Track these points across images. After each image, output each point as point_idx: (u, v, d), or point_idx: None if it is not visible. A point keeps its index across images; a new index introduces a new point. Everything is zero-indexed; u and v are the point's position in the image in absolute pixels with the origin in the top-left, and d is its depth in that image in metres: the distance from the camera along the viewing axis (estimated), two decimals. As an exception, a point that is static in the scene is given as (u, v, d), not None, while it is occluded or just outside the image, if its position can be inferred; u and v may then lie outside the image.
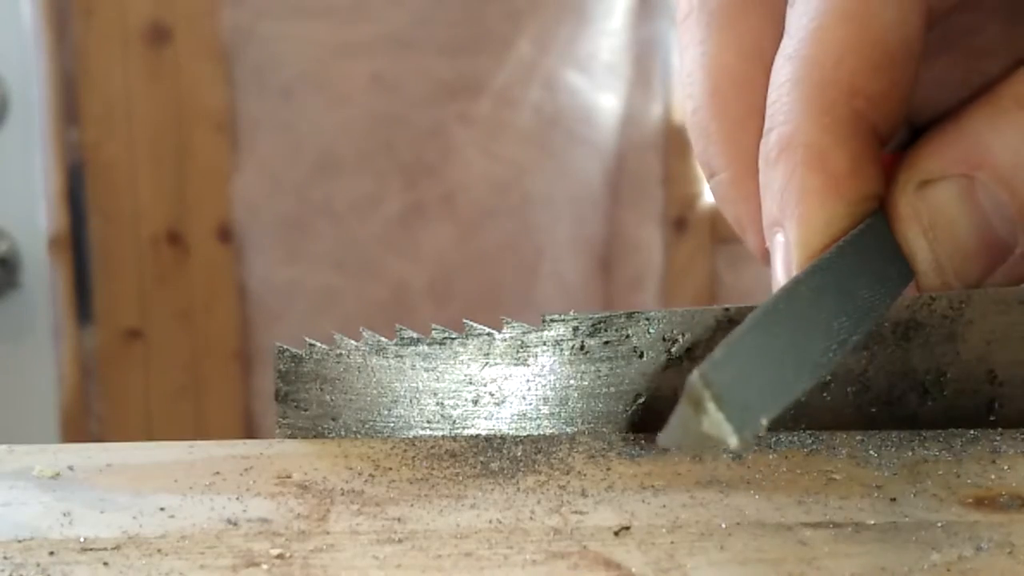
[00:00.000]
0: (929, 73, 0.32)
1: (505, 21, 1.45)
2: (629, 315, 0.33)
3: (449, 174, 1.47)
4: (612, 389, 0.33)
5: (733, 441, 0.22)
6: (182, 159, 1.43)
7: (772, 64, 0.30)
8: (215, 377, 1.48)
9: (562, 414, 0.33)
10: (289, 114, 1.44)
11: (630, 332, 0.33)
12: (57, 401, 1.41)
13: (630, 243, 1.52)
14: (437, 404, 0.33)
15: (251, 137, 1.44)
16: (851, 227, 0.28)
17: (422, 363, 0.32)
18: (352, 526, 0.27)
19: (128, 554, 0.26)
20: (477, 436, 0.33)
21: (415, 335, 0.32)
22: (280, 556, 0.26)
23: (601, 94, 1.48)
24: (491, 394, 0.33)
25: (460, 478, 0.30)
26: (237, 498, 0.29)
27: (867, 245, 0.28)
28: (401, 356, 0.32)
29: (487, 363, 0.32)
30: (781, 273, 0.29)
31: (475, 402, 0.33)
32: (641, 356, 0.33)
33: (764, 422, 0.23)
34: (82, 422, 1.45)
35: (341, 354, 0.32)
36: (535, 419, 0.33)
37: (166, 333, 1.46)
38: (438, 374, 0.33)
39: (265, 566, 0.26)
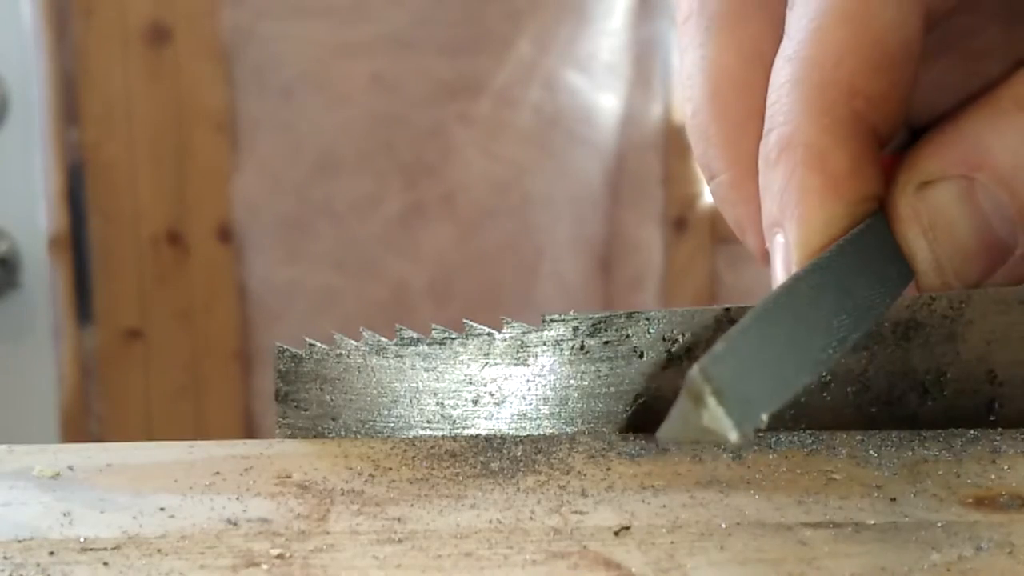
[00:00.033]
0: (928, 75, 0.32)
1: (505, 21, 1.45)
2: (629, 315, 0.33)
3: (449, 174, 1.47)
4: (612, 389, 0.33)
5: (733, 435, 0.22)
6: (182, 159, 1.43)
7: (772, 66, 0.30)
8: (215, 377, 1.48)
9: (562, 414, 0.33)
10: (289, 114, 1.44)
11: (630, 332, 0.33)
12: (57, 401, 1.41)
13: (630, 243, 1.52)
14: (437, 404, 0.33)
15: (251, 137, 1.44)
16: (851, 227, 0.28)
17: (422, 363, 0.32)
18: (352, 526, 0.28)
19: (128, 554, 0.26)
20: (477, 436, 0.33)
21: (415, 335, 0.32)
22: (280, 556, 0.26)
23: (601, 94, 1.48)
24: (491, 394, 0.33)
25: (460, 478, 0.30)
26: (237, 498, 0.29)
27: (867, 245, 0.28)
28: (401, 356, 0.32)
29: (487, 363, 0.32)
30: (781, 274, 0.29)
31: (475, 402, 0.33)
32: (641, 356, 0.33)
33: (764, 417, 0.23)
34: (82, 422, 1.45)
35: (341, 354, 0.32)
36: (535, 419, 0.33)
37: (166, 333, 1.46)
38: (438, 374, 0.33)
39: (265, 566, 0.26)
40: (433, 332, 0.32)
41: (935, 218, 0.29)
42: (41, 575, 0.25)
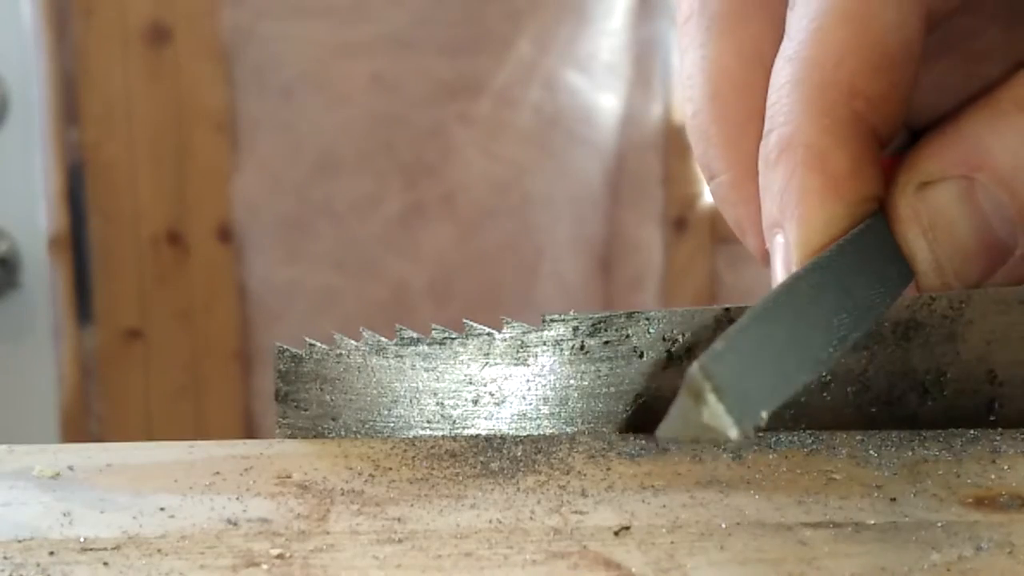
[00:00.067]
0: (929, 77, 0.32)
1: (505, 21, 1.45)
2: (629, 315, 0.33)
3: (449, 174, 1.47)
4: (612, 389, 0.33)
5: (733, 432, 0.22)
6: (182, 159, 1.43)
7: (772, 67, 0.30)
8: (215, 377, 1.48)
9: (562, 414, 0.33)
10: (289, 114, 1.44)
11: (630, 332, 0.33)
12: (57, 401, 1.41)
13: (630, 243, 1.52)
14: (437, 404, 0.33)
15: (251, 137, 1.44)
16: (851, 228, 0.28)
17: (422, 363, 0.32)
18: (352, 526, 0.28)
19: (128, 554, 0.26)
20: (477, 436, 0.33)
21: (415, 335, 0.32)
22: (280, 556, 0.26)
23: (601, 94, 1.48)
24: (491, 394, 0.33)
25: (460, 478, 0.30)
26: (237, 498, 0.29)
27: (867, 245, 0.28)
28: (401, 356, 0.32)
29: (487, 363, 0.32)
30: (781, 274, 0.29)
31: (475, 402, 0.33)
32: (641, 356, 0.33)
33: (764, 414, 0.23)
34: (82, 422, 1.45)
35: (341, 354, 0.32)
36: (535, 419, 0.33)
37: (166, 333, 1.46)
38: (438, 374, 0.33)
39: (265, 566, 0.26)
40: (433, 332, 0.32)
41: (935, 218, 0.29)
42: (41, 575, 0.25)
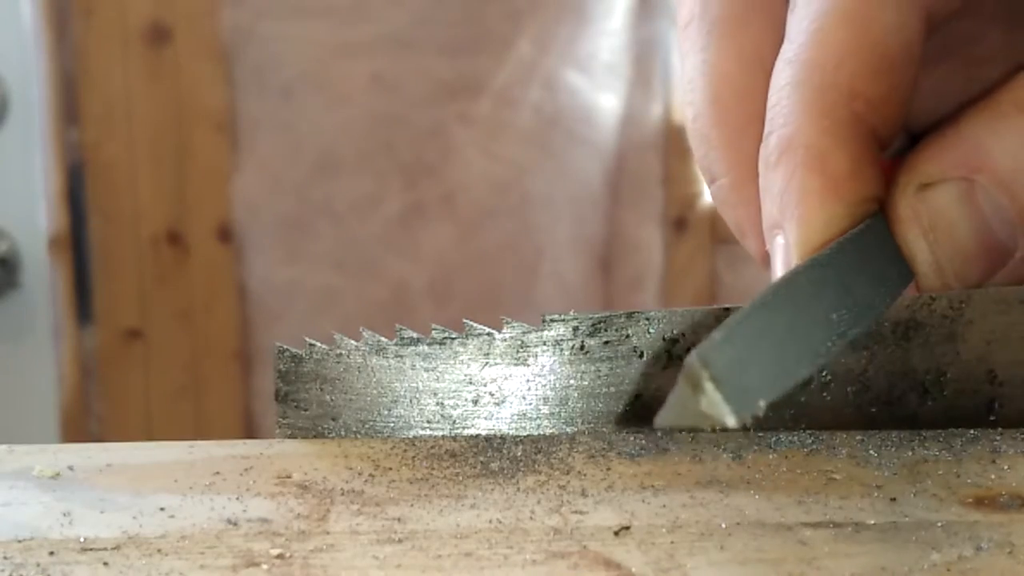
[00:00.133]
0: (929, 80, 0.32)
1: (505, 21, 1.45)
2: (629, 315, 0.33)
3: (449, 174, 1.47)
4: (612, 389, 0.33)
5: (731, 421, 0.22)
6: (182, 159, 1.43)
7: (772, 70, 0.30)
8: (215, 377, 1.48)
9: (562, 414, 0.33)
10: (289, 114, 1.44)
11: (630, 332, 0.33)
12: (57, 401, 1.41)
13: (630, 243, 1.52)
14: (437, 404, 0.33)
15: (251, 137, 1.44)
16: (850, 228, 0.28)
17: (422, 363, 0.32)
18: (352, 526, 0.28)
19: (128, 554, 0.26)
20: (477, 436, 0.33)
21: (415, 335, 0.32)
22: (280, 556, 0.26)
23: (601, 94, 1.48)
24: (491, 394, 0.33)
25: (460, 478, 0.30)
26: (237, 498, 0.29)
27: (867, 244, 0.28)
28: (401, 356, 0.32)
29: (487, 363, 0.32)
30: (781, 275, 0.29)
31: (475, 402, 0.33)
32: (641, 356, 0.33)
33: (762, 404, 0.23)
34: (82, 422, 1.45)
35: (341, 354, 0.32)
36: (535, 419, 0.33)
37: (166, 333, 1.46)
38: (438, 374, 0.33)
39: (265, 566, 0.26)
40: (433, 332, 0.32)
41: (935, 219, 0.29)
42: (41, 575, 0.25)
